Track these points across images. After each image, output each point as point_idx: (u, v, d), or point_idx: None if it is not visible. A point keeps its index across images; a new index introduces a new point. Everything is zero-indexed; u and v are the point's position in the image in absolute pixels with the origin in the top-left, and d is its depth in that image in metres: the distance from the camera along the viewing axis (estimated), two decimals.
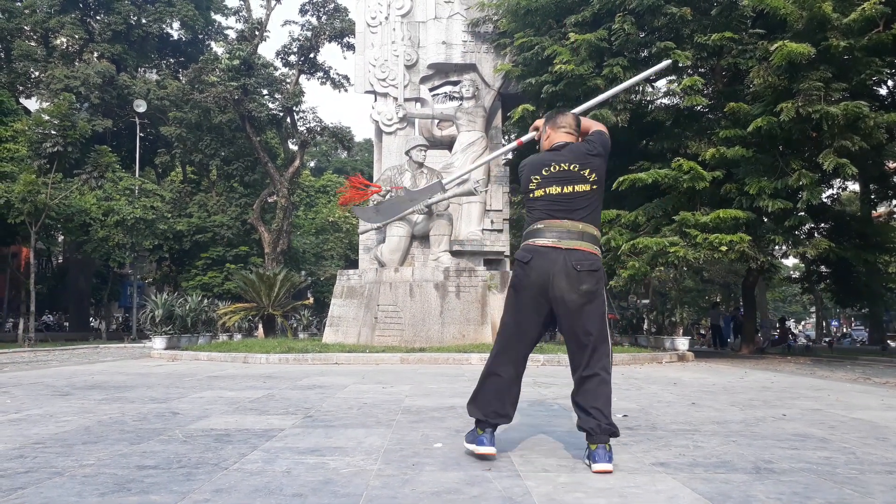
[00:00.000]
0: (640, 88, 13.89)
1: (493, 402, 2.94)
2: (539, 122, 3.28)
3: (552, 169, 2.91)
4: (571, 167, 2.89)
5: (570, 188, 2.87)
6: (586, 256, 2.82)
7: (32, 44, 27.52)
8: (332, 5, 26.93)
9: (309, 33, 26.97)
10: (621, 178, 11.89)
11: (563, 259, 2.80)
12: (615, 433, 2.75)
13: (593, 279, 2.80)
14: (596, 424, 2.73)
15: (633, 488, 2.47)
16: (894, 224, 16.52)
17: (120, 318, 37.28)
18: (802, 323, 59.09)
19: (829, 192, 16.06)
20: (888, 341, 25.05)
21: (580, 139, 3.08)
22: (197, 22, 29.91)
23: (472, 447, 2.95)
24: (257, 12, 27.99)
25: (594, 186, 2.89)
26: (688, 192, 11.73)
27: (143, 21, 28.42)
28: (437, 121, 14.06)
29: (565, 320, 2.85)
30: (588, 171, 2.89)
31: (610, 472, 2.66)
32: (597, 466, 2.68)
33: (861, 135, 10.65)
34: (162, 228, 23.35)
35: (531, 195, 2.98)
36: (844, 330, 49.04)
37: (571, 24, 12.44)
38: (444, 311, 11.78)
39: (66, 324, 30.73)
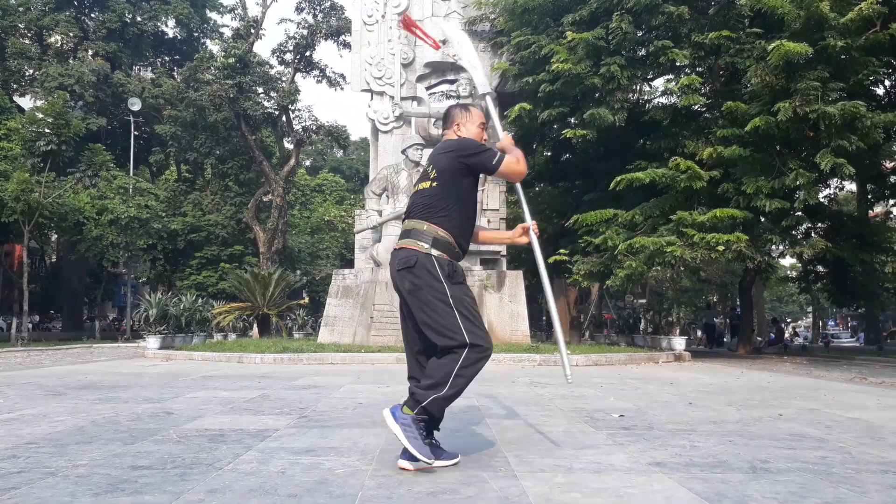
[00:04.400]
0: (638, 87, 13.90)
1: None
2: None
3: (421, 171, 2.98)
4: (427, 166, 2.94)
5: (417, 187, 2.94)
6: (405, 254, 2.81)
7: (26, 41, 27.39)
8: (329, 3, 26.89)
9: (305, 31, 26.92)
10: (618, 178, 11.89)
11: (394, 260, 2.87)
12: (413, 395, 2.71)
13: (413, 276, 2.77)
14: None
15: (630, 488, 2.45)
16: (891, 224, 16.57)
17: (111, 318, 37.01)
18: (798, 322, 59.29)
19: (826, 191, 16.10)
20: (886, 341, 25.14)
21: (458, 131, 3.03)
22: (192, 20, 29.81)
23: None
24: (253, 10, 27.86)
25: (434, 184, 2.85)
26: (685, 191, 11.73)
27: (138, 19, 28.31)
28: (433, 119, 14.02)
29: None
30: (432, 167, 2.90)
31: (384, 418, 2.70)
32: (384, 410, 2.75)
33: (858, 134, 10.67)
34: (156, 227, 23.25)
35: None
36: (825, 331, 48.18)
37: (569, 22, 12.43)
38: None
39: (59, 325, 30.57)
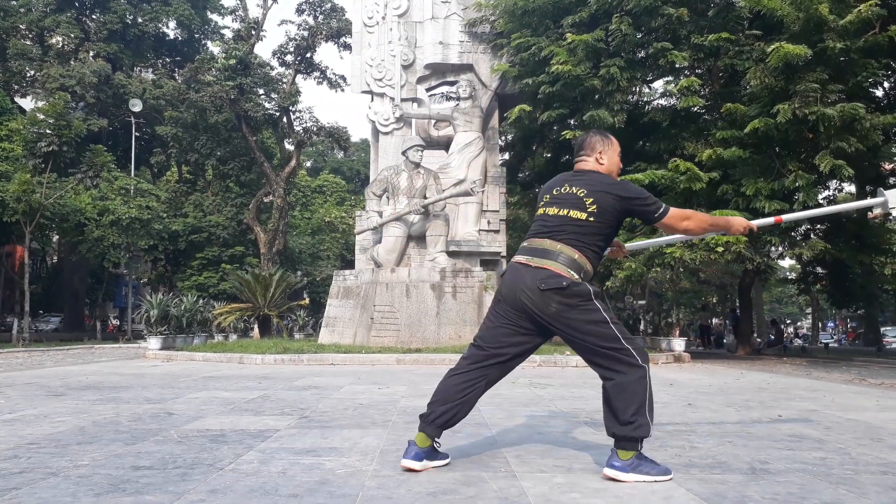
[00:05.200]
0: (637, 89, 13.91)
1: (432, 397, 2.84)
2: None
3: (562, 191, 2.85)
4: (578, 192, 2.79)
5: (566, 212, 2.78)
6: (552, 276, 2.67)
7: (28, 42, 27.42)
8: (329, 5, 26.93)
9: (305, 33, 26.96)
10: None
11: (529, 277, 2.71)
12: (622, 438, 2.60)
13: (562, 297, 2.65)
14: (606, 427, 2.69)
15: (629, 489, 2.46)
16: (890, 226, 16.56)
17: (111, 320, 36.96)
18: (799, 324, 59.24)
19: (826, 193, 16.10)
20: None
21: (600, 159, 2.95)
22: (193, 21, 29.85)
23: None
24: (254, 12, 27.98)
25: (590, 218, 2.73)
26: (684, 192, 11.74)
27: (139, 20, 28.35)
28: (433, 121, 14.05)
29: (558, 335, 2.77)
30: (591, 200, 2.75)
31: (610, 477, 2.57)
32: (604, 470, 2.63)
33: (857, 136, 10.68)
34: (157, 228, 23.28)
35: (537, 212, 2.93)
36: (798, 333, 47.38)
37: (568, 24, 12.45)
38: (440, 311, 11.77)
39: (48, 326, 30.50)
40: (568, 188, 2.84)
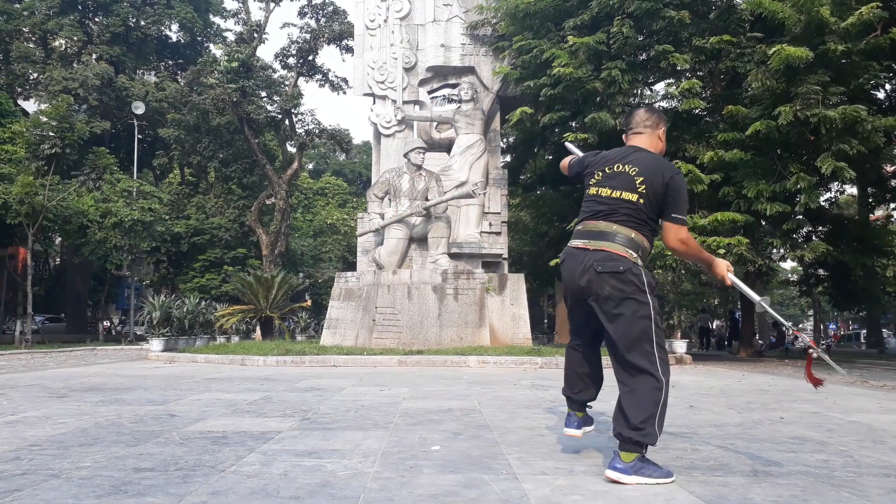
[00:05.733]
0: (639, 91, 13.91)
1: (566, 380, 3.15)
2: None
3: (616, 168, 2.82)
4: (632, 171, 2.77)
5: (618, 193, 2.76)
6: (610, 257, 2.67)
7: (31, 45, 27.51)
8: (331, 8, 26.98)
9: (308, 35, 27.01)
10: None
11: (589, 260, 2.72)
12: (627, 441, 2.59)
13: (618, 282, 2.64)
14: (614, 428, 2.69)
15: (631, 491, 2.46)
16: (892, 227, 16.53)
17: (113, 322, 36.92)
18: (803, 325, 59.12)
19: (827, 195, 16.10)
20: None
21: (662, 136, 2.96)
22: (195, 24, 29.93)
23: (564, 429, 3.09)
24: (256, 14, 28.10)
25: (641, 200, 2.73)
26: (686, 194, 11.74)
27: (142, 23, 28.43)
28: (435, 123, 14.07)
29: (601, 323, 2.78)
30: (642, 180, 2.73)
31: (613, 480, 2.56)
32: (606, 472, 2.62)
33: (859, 138, 10.67)
34: (160, 230, 23.32)
35: (587, 190, 2.90)
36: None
37: (570, 27, 12.46)
38: (442, 313, 11.78)
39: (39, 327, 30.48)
40: (620, 167, 2.81)
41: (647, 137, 2.93)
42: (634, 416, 2.57)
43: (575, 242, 2.83)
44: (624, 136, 3.04)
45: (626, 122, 3.05)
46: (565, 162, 3.24)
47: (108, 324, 29.76)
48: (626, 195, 2.75)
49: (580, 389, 3.07)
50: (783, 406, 5.19)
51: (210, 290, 27.03)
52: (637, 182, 2.74)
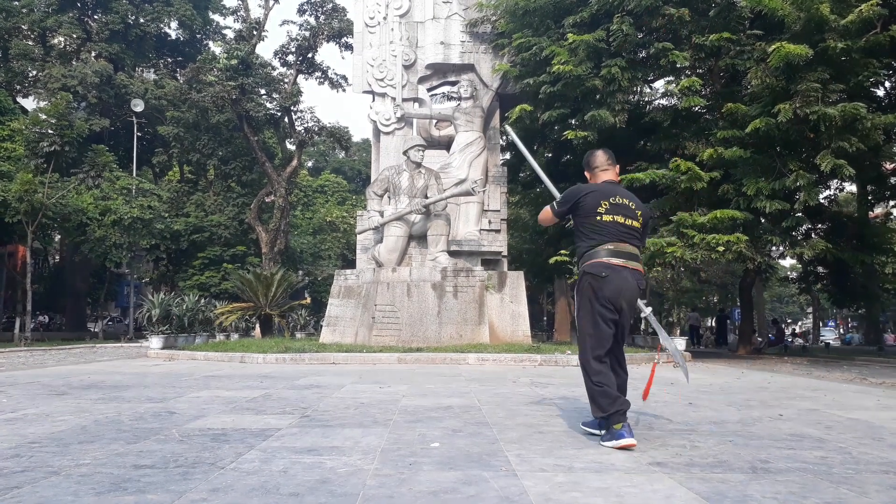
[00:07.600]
0: (638, 89, 13.90)
1: (608, 396, 3.36)
2: None
3: (617, 200, 3.48)
4: (630, 204, 3.51)
5: (632, 222, 3.48)
6: (643, 275, 3.54)
7: (30, 43, 27.47)
8: (331, 5, 26.93)
9: (307, 33, 26.96)
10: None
11: (632, 278, 3.43)
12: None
13: (640, 293, 3.57)
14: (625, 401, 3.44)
15: (630, 487, 2.47)
16: (891, 225, 16.54)
17: (109, 321, 36.68)
18: (802, 322, 59.17)
19: (827, 193, 16.09)
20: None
21: (616, 170, 3.74)
22: (195, 21, 29.89)
23: (615, 443, 3.19)
24: (255, 12, 28.10)
25: (639, 226, 3.54)
26: (685, 192, 11.74)
27: (141, 20, 28.39)
28: (434, 121, 14.05)
29: (620, 325, 3.49)
30: (640, 213, 3.56)
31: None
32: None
33: (858, 136, 10.67)
34: (159, 228, 23.32)
35: (598, 217, 3.46)
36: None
37: (570, 24, 12.45)
38: (441, 311, 11.78)
39: (62, 323, 30.60)
40: (620, 199, 3.50)
41: (612, 173, 3.67)
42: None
43: (614, 260, 3.41)
44: (587, 173, 3.75)
45: (588, 162, 3.74)
46: (545, 214, 3.88)
47: (101, 322, 29.69)
48: (634, 223, 3.49)
49: (622, 398, 3.36)
50: (782, 403, 5.20)
51: (209, 287, 27.03)
52: (637, 214, 3.52)
